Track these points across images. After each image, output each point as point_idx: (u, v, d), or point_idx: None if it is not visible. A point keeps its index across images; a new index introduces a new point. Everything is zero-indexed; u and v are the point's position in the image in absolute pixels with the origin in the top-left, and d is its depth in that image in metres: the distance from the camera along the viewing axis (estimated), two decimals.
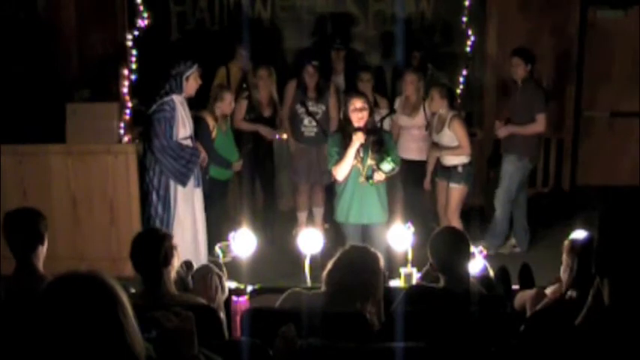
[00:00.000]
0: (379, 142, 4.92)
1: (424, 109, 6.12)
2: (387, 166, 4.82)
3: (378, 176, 4.87)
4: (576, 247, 3.37)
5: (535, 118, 5.93)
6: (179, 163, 5.25)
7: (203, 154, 5.54)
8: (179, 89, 5.22)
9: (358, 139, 4.76)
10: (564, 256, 3.44)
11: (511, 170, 6.05)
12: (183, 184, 5.31)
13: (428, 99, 5.92)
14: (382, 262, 3.33)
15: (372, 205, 4.97)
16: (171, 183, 5.33)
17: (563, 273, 3.43)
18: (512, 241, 6.26)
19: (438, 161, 6.01)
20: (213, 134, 5.80)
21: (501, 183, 6.11)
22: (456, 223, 5.73)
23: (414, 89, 6.13)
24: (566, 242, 3.48)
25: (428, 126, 6.11)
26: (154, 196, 5.32)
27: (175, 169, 5.25)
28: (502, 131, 6.03)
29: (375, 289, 3.23)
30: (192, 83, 5.27)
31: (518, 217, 6.21)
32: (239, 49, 6.81)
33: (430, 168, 6.12)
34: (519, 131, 5.95)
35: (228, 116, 6.03)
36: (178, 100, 5.25)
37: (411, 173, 6.08)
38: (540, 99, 5.97)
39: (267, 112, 6.32)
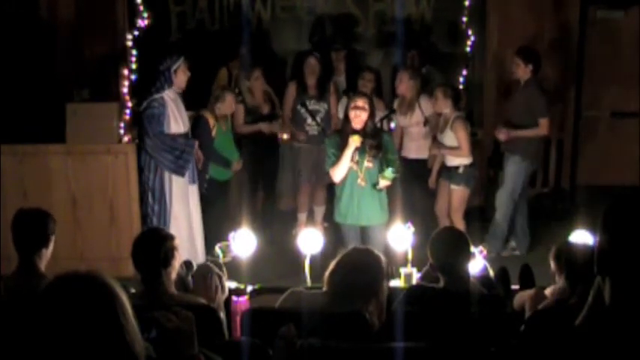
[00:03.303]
0: (377, 147, 4.90)
1: (420, 107, 6.13)
2: (390, 173, 4.82)
3: (383, 183, 4.88)
4: (561, 253, 3.41)
5: (538, 122, 5.86)
6: (173, 154, 5.29)
7: (197, 148, 5.56)
8: (169, 83, 5.27)
9: (354, 142, 4.75)
10: (551, 263, 3.49)
11: (514, 171, 5.96)
12: (182, 174, 5.35)
13: (432, 98, 5.93)
14: (385, 264, 3.32)
15: (371, 207, 4.96)
16: (167, 181, 5.36)
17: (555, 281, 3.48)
18: (513, 243, 6.23)
19: (443, 161, 6.01)
20: (213, 133, 5.81)
21: (504, 184, 6.02)
22: (460, 224, 5.71)
23: (407, 88, 6.14)
24: (552, 249, 3.53)
25: (426, 122, 6.11)
26: (150, 196, 5.35)
27: (171, 162, 5.29)
28: (502, 135, 5.93)
29: (377, 291, 3.23)
30: (180, 76, 5.32)
31: (519, 220, 6.17)
32: (242, 51, 6.82)
33: (436, 167, 6.10)
34: (521, 135, 5.88)
35: (229, 116, 6.05)
36: (170, 97, 5.30)
37: (410, 172, 6.07)
38: (542, 103, 5.88)
39: (265, 110, 6.33)
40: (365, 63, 7.52)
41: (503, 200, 6.02)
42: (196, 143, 5.49)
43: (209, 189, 5.78)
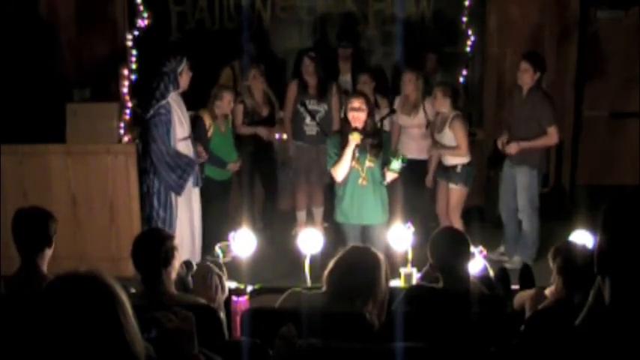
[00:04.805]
0: (378, 146, 4.90)
1: (424, 108, 6.12)
2: (397, 164, 4.81)
3: (390, 176, 4.87)
4: (560, 254, 3.41)
5: (546, 131, 5.70)
6: (176, 173, 5.30)
7: (203, 156, 5.56)
8: (174, 85, 5.28)
9: (354, 139, 4.75)
10: (551, 263, 3.49)
11: (527, 183, 5.82)
12: (179, 193, 5.36)
13: (431, 97, 5.92)
14: (383, 262, 3.32)
15: (373, 206, 4.97)
16: None
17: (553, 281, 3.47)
18: (502, 249, 6.18)
19: (440, 160, 6.00)
20: (210, 133, 5.82)
21: (520, 196, 5.85)
22: (457, 223, 5.71)
23: (414, 88, 6.13)
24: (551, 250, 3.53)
25: (429, 125, 6.10)
26: (155, 200, 5.36)
27: (171, 179, 5.31)
28: (512, 148, 5.75)
29: (376, 289, 3.23)
30: (185, 77, 5.35)
31: (513, 227, 6.13)
32: (245, 50, 6.83)
33: (433, 166, 6.09)
34: (532, 146, 5.73)
35: (229, 116, 6.05)
36: (173, 99, 5.31)
37: (411, 172, 6.06)
38: (549, 110, 5.72)
39: (265, 112, 6.34)
40: (368, 63, 7.51)
41: (527, 212, 5.87)
42: (196, 167, 5.48)
43: (207, 188, 5.78)
